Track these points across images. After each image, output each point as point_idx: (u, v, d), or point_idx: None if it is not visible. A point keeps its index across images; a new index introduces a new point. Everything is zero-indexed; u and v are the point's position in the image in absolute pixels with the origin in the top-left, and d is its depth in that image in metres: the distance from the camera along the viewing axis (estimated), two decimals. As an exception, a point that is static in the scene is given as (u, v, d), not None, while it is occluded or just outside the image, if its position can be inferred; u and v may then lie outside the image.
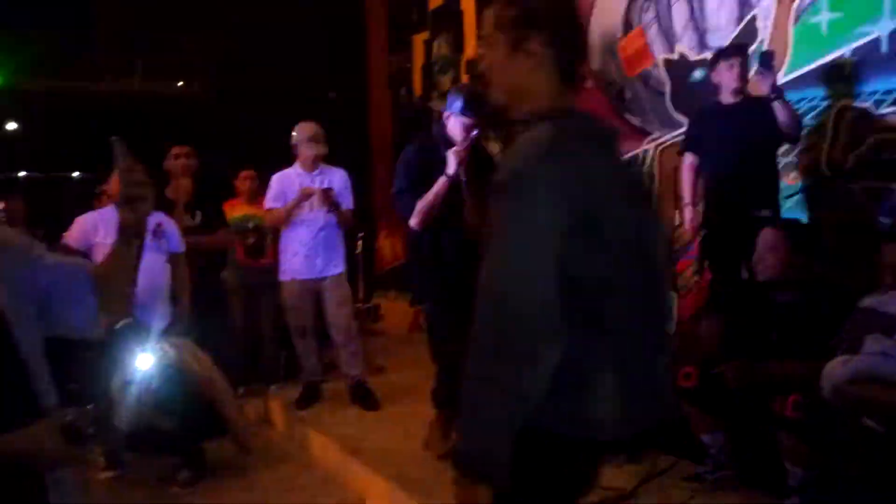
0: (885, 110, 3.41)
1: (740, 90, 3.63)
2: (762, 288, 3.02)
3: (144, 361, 3.48)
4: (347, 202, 4.51)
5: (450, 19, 6.79)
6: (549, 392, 1.29)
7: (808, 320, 2.86)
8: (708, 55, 4.07)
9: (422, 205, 3.30)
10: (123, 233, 1.64)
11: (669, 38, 4.61)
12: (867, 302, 2.69)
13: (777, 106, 3.40)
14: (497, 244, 1.31)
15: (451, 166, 3.26)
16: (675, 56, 4.58)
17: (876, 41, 3.39)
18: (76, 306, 1.62)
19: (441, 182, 3.27)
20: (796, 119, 3.52)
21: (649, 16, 4.74)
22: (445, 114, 3.37)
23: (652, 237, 1.51)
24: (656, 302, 1.56)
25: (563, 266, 1.28)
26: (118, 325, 3.40)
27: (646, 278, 1.46)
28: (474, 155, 3.33)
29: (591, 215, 1.31)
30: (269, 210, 4.48)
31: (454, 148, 3.28)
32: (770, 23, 3.90)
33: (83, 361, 3.55)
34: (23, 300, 1.53)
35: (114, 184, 3.79)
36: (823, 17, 3.65)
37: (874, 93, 3.42)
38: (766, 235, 3.00)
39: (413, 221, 3.34)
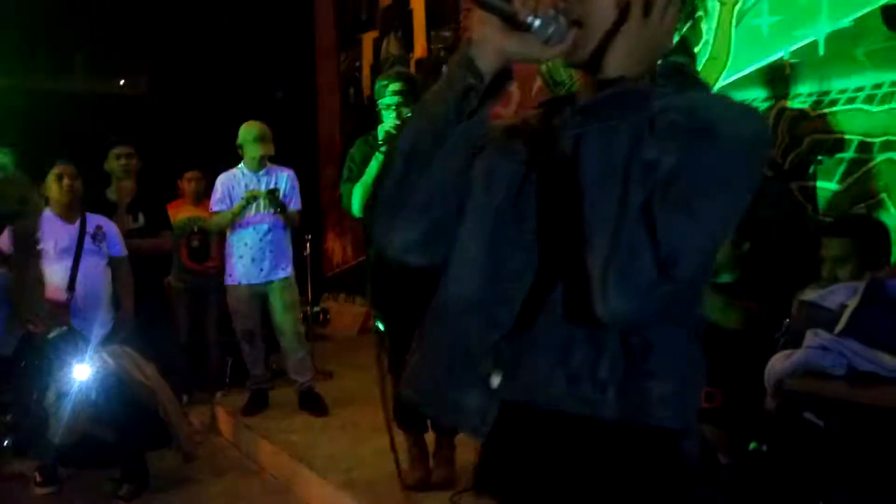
0: (821, 112, 3.49)
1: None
2: None
3: (82, 372, 3.36)
4: (295, 203, 4.43)
5: (400, 18, 6.74)
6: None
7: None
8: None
9: (363, 193, 3.14)
10: (16, 245, 1.63)
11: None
12: (808, 296, 2.74)
13: None
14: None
15: None
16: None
17: (813, 44, 3.46)
18: None
19: None
20: None
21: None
22: (378, 108, 3.23)
23: None
24: None
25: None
26: (52, 335, 3.29)
27: None
28: None
29: None
30: (214, 213, 4.38)
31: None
32: (714, 24, 3.96)
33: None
34: None
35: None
36: (764, 20, 3.72)
37: (811, 94, 3.50)
38: None
39: (356, 208, 3.19)
